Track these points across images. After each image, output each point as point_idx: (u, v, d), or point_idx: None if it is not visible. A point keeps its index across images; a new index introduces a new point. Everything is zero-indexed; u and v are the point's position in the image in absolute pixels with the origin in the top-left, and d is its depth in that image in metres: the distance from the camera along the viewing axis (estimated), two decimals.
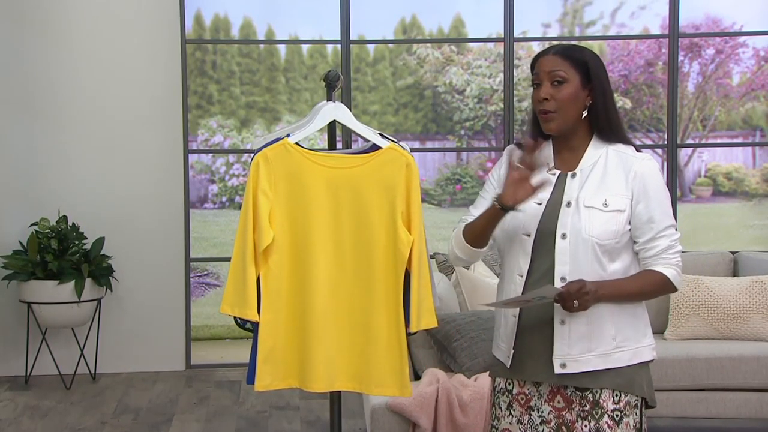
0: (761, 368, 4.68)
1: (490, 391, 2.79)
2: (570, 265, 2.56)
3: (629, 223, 2.59)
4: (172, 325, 6.51)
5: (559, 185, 2.64)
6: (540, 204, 2.62)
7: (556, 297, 2.51)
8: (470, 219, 2.72)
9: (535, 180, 2.52)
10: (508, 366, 2.67)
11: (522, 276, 2.62)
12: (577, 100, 2.60)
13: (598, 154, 2.63)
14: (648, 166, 2.61)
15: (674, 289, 2.64)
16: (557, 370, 2.58)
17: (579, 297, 2.48)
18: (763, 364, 4.68)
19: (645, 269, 2.62)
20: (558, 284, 2.56)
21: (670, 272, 2.60)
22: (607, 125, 2.63)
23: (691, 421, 5.00)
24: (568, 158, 2.67)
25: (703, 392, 4.70)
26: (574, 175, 2.63)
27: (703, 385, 4.69)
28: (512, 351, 2.65)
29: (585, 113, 2.63)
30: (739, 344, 4.81)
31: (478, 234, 2.66)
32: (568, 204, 2.59)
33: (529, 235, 2.61)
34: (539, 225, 2.60)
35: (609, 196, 2.58)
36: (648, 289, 2.61)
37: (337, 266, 2.99)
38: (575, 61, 2.60)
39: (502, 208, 2.56)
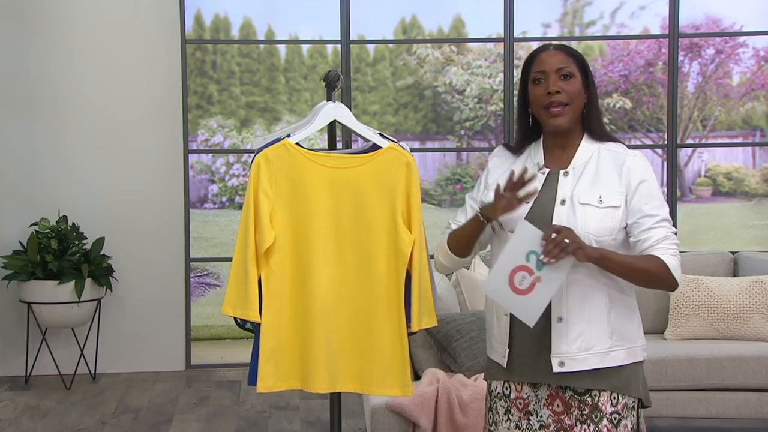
0: (761, 368, 4.68)
1: (486, 395, 2.76)
2: None
3: (625, 220, 2.56)
4: (172, 325, 6.51)
5: (551, 183, 2.61)
6: (528, 202, 2.59)
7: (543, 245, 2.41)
8: (455, 227, 2.71)
9: (522, 192, 2.50)
10: (505, 366, 2.63)
11: None
12: (581, 95, 2.61)
13: (590, 152, 2.62)
14: (640, 162, 2.59)
15: (673, 283, 2.51)
16: (555, 368, 2.54)
17: (567, 236, 2.40)
18: (763, 364, 4.68)
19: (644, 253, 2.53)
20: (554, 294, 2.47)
21: (669, 261, 2.50)
22: (597, 124, 2.63)
23: (691, 421, 5.01)
24: (559, 156, 2.65)
25: (703, 392, 4.70)
26: (566, 173, 2.61)
27: (703, 385, 4.69)
28: (507, 351, 2.62)
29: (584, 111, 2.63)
30: (739, 344, 4.81)
31: (462, 244, 2.65)
32: (563, 202, 2.57)
33: (513, 233, 2.57)
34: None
35: (603, 192, 2.55)
36: (643, 266, 2.48)
37: (338, 266, 2.99)
38: (577, 60, 2.62)
39: (485, 219, 2.57)
